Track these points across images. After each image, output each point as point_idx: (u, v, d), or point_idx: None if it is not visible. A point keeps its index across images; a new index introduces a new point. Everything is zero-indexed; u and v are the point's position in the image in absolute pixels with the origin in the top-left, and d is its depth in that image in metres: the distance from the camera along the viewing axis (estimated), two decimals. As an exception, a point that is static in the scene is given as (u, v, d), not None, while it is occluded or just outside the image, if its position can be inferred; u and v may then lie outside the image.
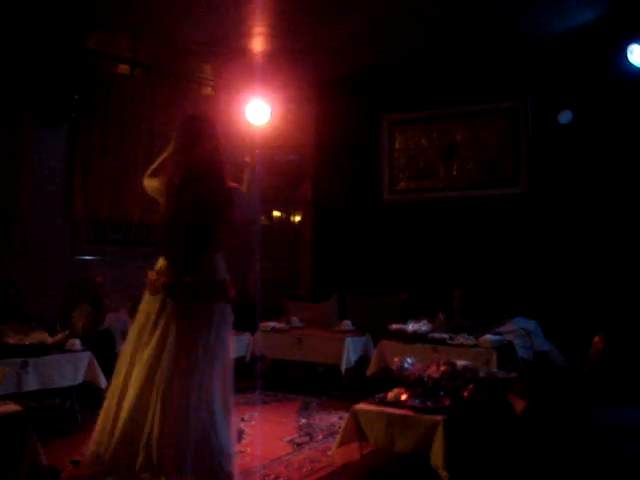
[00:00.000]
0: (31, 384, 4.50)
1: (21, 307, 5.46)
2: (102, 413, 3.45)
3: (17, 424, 3.14)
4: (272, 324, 6.28)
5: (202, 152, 3.53)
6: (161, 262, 3.53)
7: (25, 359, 4.49)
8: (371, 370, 5.62)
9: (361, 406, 3.66)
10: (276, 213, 8.15)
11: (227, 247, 3.74)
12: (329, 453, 4.00)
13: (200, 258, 3.48)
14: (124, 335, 5.80)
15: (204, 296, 3.46)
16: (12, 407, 3.22)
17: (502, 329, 5.46)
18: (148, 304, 3.51)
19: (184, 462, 3.24)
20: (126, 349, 3.53)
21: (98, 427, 3.43)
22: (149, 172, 3.71)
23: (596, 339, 3.31)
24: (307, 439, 4.55)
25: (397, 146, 7.07)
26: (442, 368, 3.93)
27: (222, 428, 3.38)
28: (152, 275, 3.51)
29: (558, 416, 3.00)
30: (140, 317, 3.53)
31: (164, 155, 3.70)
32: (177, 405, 3.29)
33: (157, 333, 3.41)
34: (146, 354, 3.39)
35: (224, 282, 3.53)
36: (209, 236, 3.51)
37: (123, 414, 3.32)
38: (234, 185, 3.58)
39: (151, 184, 3.64)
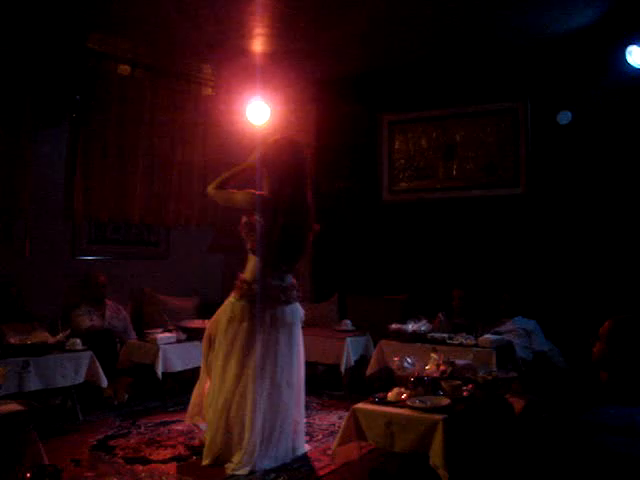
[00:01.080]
0: (33, 384, 4.52)
1: (22, 307, 5.47)
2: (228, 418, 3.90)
3: (18, 424, 3.15)
4: (272, 324, 6.28)
5: (295, 172, 3.95)
6: (250, 269, 3.92)
7: (27, 359, 4.51)
8: (371, 370, 5.63)
9: (361, 406, 3.66)
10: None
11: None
12: (329, 452, 4.02)
13: (294, 266, 4.05)
14: (124, 334, 5.87)
15: (293, 298, 4.02)
16: (13, 406, 3.23)
17: (501, 329, 5.47)
18: (236, 311, 3.88)
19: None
20: (228, 357, 3.93)
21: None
22: (218, 182, 4.03)
23: (607, 322, 3.31)
24: (307, 438, 4.56)
25: (397, 146, 7.06)
26: (442, 367, 3.94)
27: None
28: (244, 284, 3.89)
29: (556, 415, 3.02)
30: (234, 324, 3.88)
31: (237, 169, 4.07)
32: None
33: (259, 341, 3.84)
34: (252, 362, 3.84)
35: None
36: (303, 246, 4.03)
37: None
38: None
39: (234, 196, 3.95)
